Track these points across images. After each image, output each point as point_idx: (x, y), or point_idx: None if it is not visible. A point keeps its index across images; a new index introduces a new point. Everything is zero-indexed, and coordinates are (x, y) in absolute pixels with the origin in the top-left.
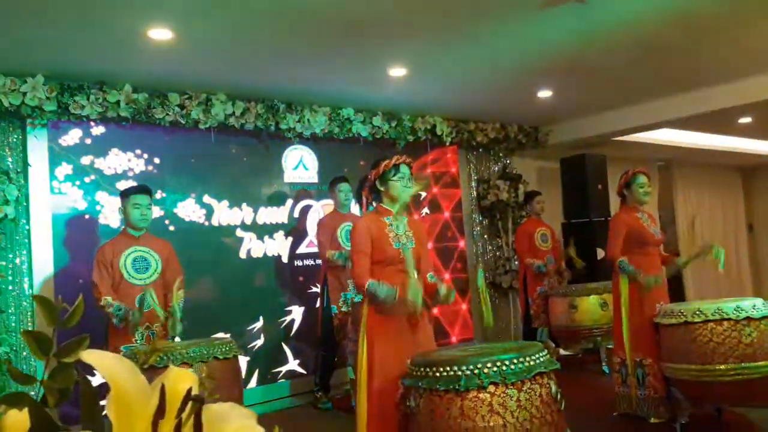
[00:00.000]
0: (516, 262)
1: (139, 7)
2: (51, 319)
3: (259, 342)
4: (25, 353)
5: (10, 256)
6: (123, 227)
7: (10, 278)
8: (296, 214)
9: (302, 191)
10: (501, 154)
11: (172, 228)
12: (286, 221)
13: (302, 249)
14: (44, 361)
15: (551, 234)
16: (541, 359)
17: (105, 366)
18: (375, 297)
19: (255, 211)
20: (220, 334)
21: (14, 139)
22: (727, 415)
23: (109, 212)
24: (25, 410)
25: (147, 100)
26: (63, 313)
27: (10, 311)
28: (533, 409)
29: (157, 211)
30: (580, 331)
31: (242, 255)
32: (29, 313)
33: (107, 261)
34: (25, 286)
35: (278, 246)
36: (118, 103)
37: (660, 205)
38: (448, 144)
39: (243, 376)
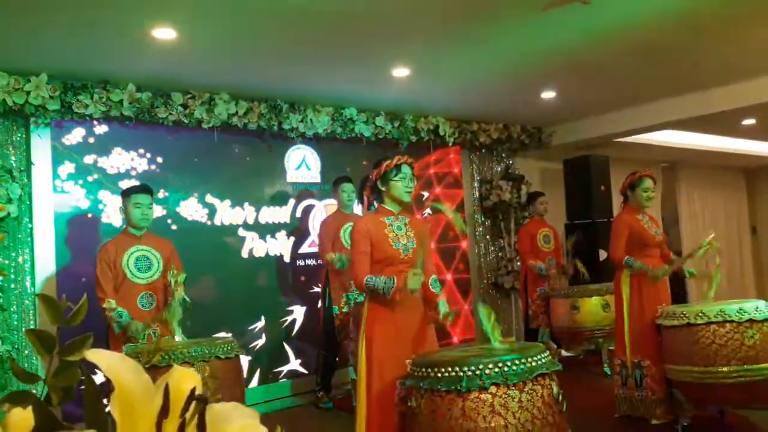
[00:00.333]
0: (518, 263)
1: (143, 6)
2: (55, 318)
3: (261, 341)
4: (27, 351)
5: (13, 254)
6: (124, 227)
7: (12, 276)
8: (298, 214)
9: (305, 191)
10: (504, 155)
11: (174, 227)
12: (288, 221)
13: (304, 249)
14: (47, 360)
15: (554, 235)
16: (543, 360)
17: (109, 365)
18: (375, 290)
19: (257, 211)
20: (222, 334)
21: (18, 138)
22: (729, 417)
23: (112, 211)
24: (29, 408)
25: (150, 100)
26: (67, 312)
27: (12, 309)
28: (535, 410)
29: (159, 211)
30: (582, 332)
31: (244, 254)
32: (31, 312)
33: (110, 260)
34: (28, 284)
35: (280, 246)
36: (121, 102)
37: (663, 206)
38: (450, 144)
39: (245, 376)
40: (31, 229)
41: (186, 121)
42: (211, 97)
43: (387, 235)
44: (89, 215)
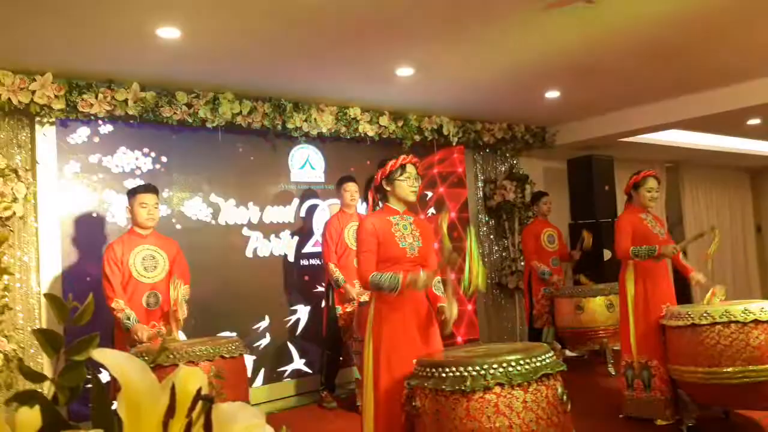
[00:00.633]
0: (522, 263)
1: (148, 6)
2: (61, 317)
3: (265, 341)
4: (32, 350)
5: (18, 253)
6: (131, 226)
7: (18, 275)
8: (302, 214)
9: (308, 191)
10: (508, 155)
11: (178, 227)
12: (292, 220)
13: (308, 248)
14: (55, 359)
15: (558, 235)
16: (548, 360)
17: (116, 364)
18: (380, 288)
19: (261, 210)
20: (226, 333)
21: (23, 137)
22: (734, 417)
23: (117, 210)
24: (37, 408)
25: (155, 99)
26: (73, 312)
27: (17, 308)
28: (539, 410)
29: (163, 210)
30: (587, 332)
31: (248, 254)
32: (36, 311)
33: (117, 259)
34: (33, 283)
35: (284, 245)
36: (126, 101)
37: (667, 206)
38: (454, 144)
39: (249, 375)
40: (37, 228)
41: (190, 121)
42: (216, 97)
43: (393, 234)
44: (94, 214)
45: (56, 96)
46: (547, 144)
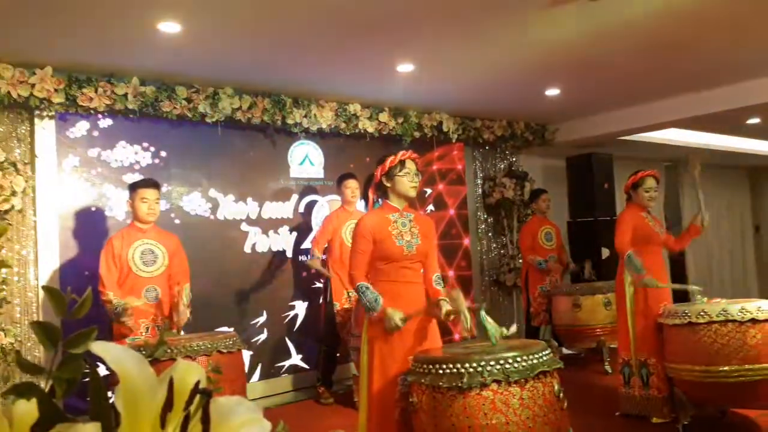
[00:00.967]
0: (520, 261)
1: (149, 0)
2: (60, 311)
3: (263, 336)
4: (30, 343)
5: (17, 247)
6: (132, 221)
7: (16, 269)
8: (301, 210)
9: (308, 187)
10: (507, 152)
11: (177, 221)
12: (291, 216)
13: (307, 244)
14: (53, 352)
15: (556, 232)
16: (545, 358)
17: (114, 357)
18: (360, 298)
19: (260, 206)
20: (224, 328)
21: (22, 131)
22: (730, 416)
23: (115, 204)
24: (34, 400)
25: (154, 94)
26: (72, 305)
27: (15, 302)
28: (536, 407)
29: (162, 205)
30: (584, 330)
31: (247, 249)
32: (34, 304)
33: (116, 254)
34: (31, 277)
35: (283, 241)
36: (125, 95)
37: (666, 205)
38: (454, 141)
39: (246, 371)
40: (35, 221)
41: (190, 116)
42: (215, 92)
43: (391, 232)
44: (93, 208)
45: (56, 90)
46: (547, 142)
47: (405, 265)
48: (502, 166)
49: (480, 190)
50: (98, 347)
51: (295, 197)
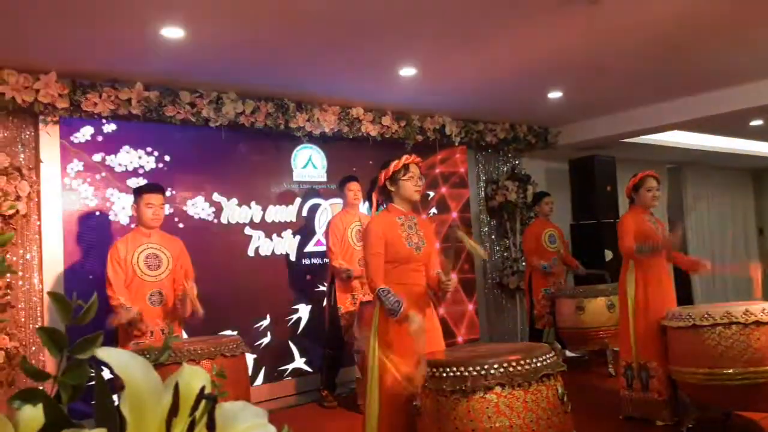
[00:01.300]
0: (523, 263)
1: (153, 6)
2: (66, 316)
3: (266, 340)
4: (34, 348)
5: (21, 251)
6: (136, 226)
7: (20, 273)
8: (304, 213)
9: (311, 190)
10: (510, 155)
11: (181, 225)
12: (294, 220)
13: (310, 248)
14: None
15: (559, 235)
16: (548, 361)
17: (120, 363)
18: (382, 303)
19: (264, 210)
20: (228, 332)
21: (27, 136)
22: (734, 419)
23: (119, 209)
24: (40, 406)
25: (158, 98)
26: (78, 311)
27: (20, 306)
28: (539, 410)
29: (166, 209)
30: (587, 332)
31: (250, 253)
32: (39, 309)
33: (120, 258)
34: (36, 281)
35: (286, 244)
36: (129, 100)
37: (669, 207)
38: (457, 144)
39: (249, 374)
40: (40, 226)
41: (194, 120)
42: (219, 96)
43: (400, 235)
44: (97, 213)
45: (60, 95)
46: (550, 144)
47: (413, 267)
48: (505, 169)
49: (483, 193)
50: (104, 353)
51: (298, 201)
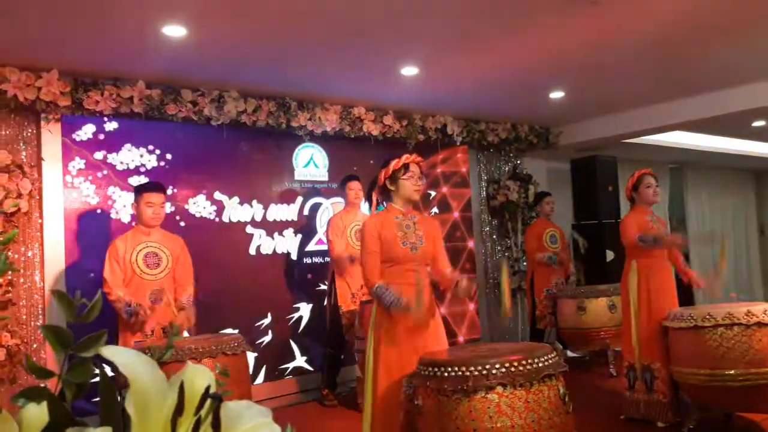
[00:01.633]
0: (525, 263)
1: (154, 4)
2: (69, 314)
3: (267, 338)
4: (35, 345)
5: (23, 249)
6: (137, 224)
7: (22, 271)
8: (306, 212)
9: (312, 189)
10: (511, 155)
11: (182, 224)
12: (295, 219)
13: (311, 246)
14: (64, 356)
15: (560, 235)
16: (550, 361)
17: (125, 362)
18: (380, 301)
19: (265, 208)
20: (229, 330)
21: (28, 134)
22: (735, 420)
23: (121, 207)
24: (44, 404)
25: (160, 97)
26: (82, 308)
27: (21, 304)
28: (541, 410)
29: (167, 207)
30: (589, 332)
31: (252, 251)
32: (40, 306)
33: (119, 256)
34: (37, 279)
35: (287, 243)
36: (131, 99)
37: (671, 207)
38: (458, 143)
39: (250, 372)
40: (41, 224)
41: (195, 119)
42: (221, 95)
43: (396, 234)
44: (99, 211)
45: (62, 93)
46: (551, 144)
47: (410, 267)
48: (507, 168)
49: (484, 193)
50: (109, 351)
51: (299, 200)
